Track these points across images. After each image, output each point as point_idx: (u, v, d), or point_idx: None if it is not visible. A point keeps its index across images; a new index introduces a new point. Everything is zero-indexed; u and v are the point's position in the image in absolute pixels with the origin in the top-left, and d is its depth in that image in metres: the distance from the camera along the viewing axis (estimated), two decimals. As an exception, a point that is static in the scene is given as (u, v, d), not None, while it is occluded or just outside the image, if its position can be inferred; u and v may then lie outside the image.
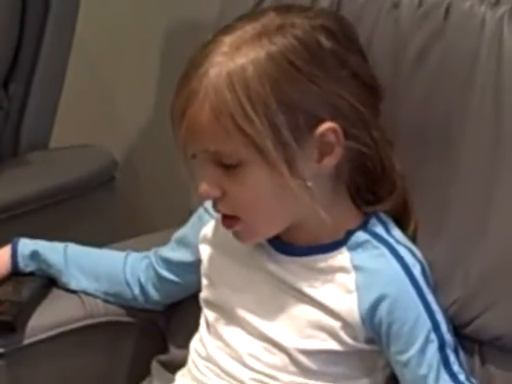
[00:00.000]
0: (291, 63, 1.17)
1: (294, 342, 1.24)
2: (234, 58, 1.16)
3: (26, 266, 1.50)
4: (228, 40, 1.19)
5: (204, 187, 1.19)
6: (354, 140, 1.22)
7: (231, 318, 1.30)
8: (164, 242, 1.48)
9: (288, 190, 1.18)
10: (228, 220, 1.24)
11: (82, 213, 1.88)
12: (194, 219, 1.42)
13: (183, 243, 1.43)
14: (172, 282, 1.46)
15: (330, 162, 1.21)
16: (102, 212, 1.98)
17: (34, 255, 1.49)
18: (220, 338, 1.30)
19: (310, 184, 1.18)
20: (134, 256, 1.51)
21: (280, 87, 1.16)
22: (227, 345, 1.29)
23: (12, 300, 1.46)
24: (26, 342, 1.45)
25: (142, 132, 2.39)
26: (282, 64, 1.17)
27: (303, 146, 1.18)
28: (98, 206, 1.98)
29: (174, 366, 1.44)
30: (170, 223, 1.54)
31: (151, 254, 1.48)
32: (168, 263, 1.45)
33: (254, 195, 1.20)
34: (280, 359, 1.24)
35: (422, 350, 1.19)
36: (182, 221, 1.46)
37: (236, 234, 1.26)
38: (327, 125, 1.18)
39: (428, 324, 1.20)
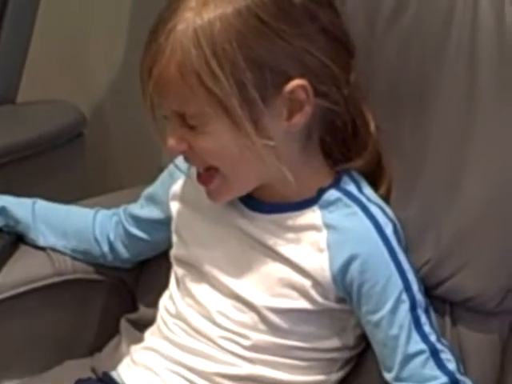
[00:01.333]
0: (259, 18, 1.17)
1: (263, 300, 1.25)
2: (202, 14, 1.16)
3: None
4: None
5: (171, 142, 1.21)
6: (324, 97, 1.22)
7: (201, 275, 1.30)
8: (133, 199, 1.49)
9: (254, 149, 1.19)
10: (204, 176, 1.25)
11: (51, 169, 1.88)
12: (164, 176, 1.43)
13: (153, 200, 1.44)
14: (141, 239, 1.47)
15: (299, 120, 1.21)
16: (71, 168, 1.99)
17: (1, 211, 1.50)
18: (190, 295, 1.31)
19: (275, 144, 1.19)
20: (103, 213, 1.52)
21: (247, 43, 1.16)
22: (197, 302, 1.30)
23: None
24: None
25: (111, 88, 2.38)
26: (249, 19, 1.17)
27: (271, 105, 1.19)
28: (66, 162, 1.99)
29: (143, 325, 1.45)
30: (139, 180, 1.54)
31: (120, 211, 1.49)
32: (137, 220, 1.46)
33: (218, 153, 1.21)
34: (250, 317, 1.25)
35: (394, 311, 1.20)
36: (152, 178, 1.47)
37: (209, 193, 1.26)
38: (296, 82, 1.18)
39: (399, 284, 1.21)
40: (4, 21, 1.97)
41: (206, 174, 1.24)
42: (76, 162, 2.01)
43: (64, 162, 1.98)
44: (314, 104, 1.20)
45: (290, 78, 1.18)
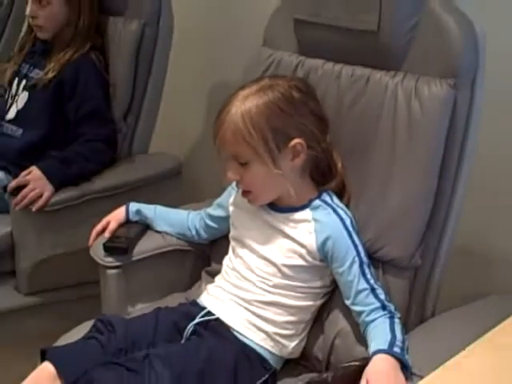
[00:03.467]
0: (277, 106, 1.22)
1: (279, 259, 1.26)
2: (244, 103, 1.22)
3: (133, 217, 1.53)
4: (242, 93, 1.24)
5: (229, 175, 1.24)
6: (312, 149, 1.26)
7: (245, 246, 1.33)
8: (209, 205, 1.50)
9: (274, 177, 1.23)
10: (245, 193, 1.27)
11: (162, 192, 1.86)
12: (225, 193, 1.44)
13: (220, 206, 1.46)
14: (214, 228, 1.49)
15: (298, 162, 1.25)
16: (174, 192, 1.95)
17: (138, 211, 1.53)
18: (239, 257, 1.33)
19: (284, 174, 1.23)
20: (192, 213, 1.53)
21: (270, 119, 1.21)
22: (243, 261, 1.32)
23: (126, 236, 1.49)
24: (133, 259, 1.48)
25: (197, 142, 2.36)
26: (271, 107, 1.22)
27: (282, 152, 1.23)
28: (172, 188, 1.95)
29: (214, 274, 1.45)
30: (212, 195, 1.53)
31: (202, 212, 1.51)
32: (211, 217, 1.48)
33: (257, 180, 1.24)
34: (272, 269, 1.27)
35: (350, 266, 1.23)
36: (219, 194, 1.48)
37: (249, 200, 1.30)
38: (296, 140, 1.23)
39: (353, 252, 1.23)
40: (143, 105, 1.94)
41: (246, 192, 1.27)
42: (177, 189, 1.98)
43: (170, 188, 1.95)
44: (306, 153, 1.24)
45: (292, 138, 1.23)
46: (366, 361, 1.10)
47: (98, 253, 1.47)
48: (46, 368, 1.19)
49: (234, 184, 1.38)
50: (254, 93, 1.23)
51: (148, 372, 1.13)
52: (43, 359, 1.22)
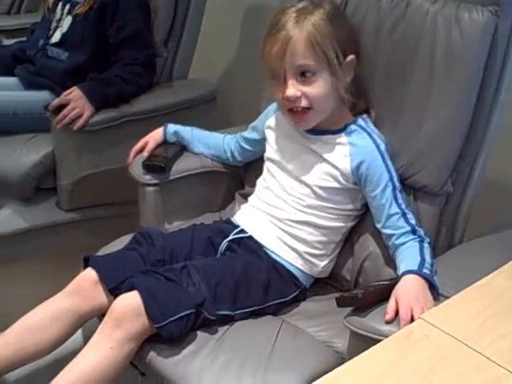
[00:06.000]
0: (338, 20, 1.22)
1: (314, 181, 1.27)
2: (312, 16, 1.19)
3: (170, 138, 1.53)
4: (298, 8, 1.22)
5: (289, 91, 1.19)
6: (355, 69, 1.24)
7: (280, 167, 1.32)
8: (244, 129, 1.50)
9: (333, 93, 1.21)
10: (300, 113, 1.22)
11: (197, 117, 1.79)
12: (261, 116, 1.43)
13: (255, 129, 1.45)
14: (248, 150, 1.49)
15: (348, 79, 1.23)
16: (209, 117, 1.92)
17: (175, 132, 1.53)
18: (273, 177, 1.33)
19: (336, 91, 1.22)
20: (228, 136, 1.53)
21: (336, 32, 1.20)
22: (277, 181, 1.32)
23: (163, 155, 1.49)
24: (170, 178, 1.48)
25: (231, 68, 2.33)
26: (333, 20, 1.21)
27: (341, 66, 1.21)
28: (206, 113, 1.93)
29: (247, 196, 1.46)
30: (244, 121, 1.53)
31: (237, 135, 1.50)
32: (246, 140, 1.48)
33: (320, 94, 1.21)
34: (306, 190, 1.28)
35: (383, 190, 1.22)
36: (251, 120, 1.48)
37: (298, 122, 1.25)
38: (352, 56, 1.22)
39: (387, 176, 1.22)
40: (184, 31, 1.91)
41: (302, 112, 1.22)
42: (212, 114, 1.95)
43: (205, 114, 1.92)
44: (354, 71, 1.23)
45: (348, 54, 1.21)
46: (395, 280, 1.11)
47: (136, 171, 1.48)
48: (89, 274, 1.22)
49: (272, 107, 1.37)
50: (311, 8, 1.21)
51: (186, 281, 1.15)
52: (86, 267, 1.25)
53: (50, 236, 1.87)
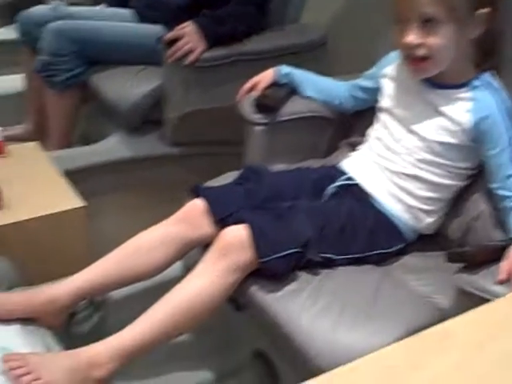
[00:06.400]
0: None
1: (431, 135, 1.24)
2: None
3: (282, 79, 1.51)
4: None
5: (411, 37, 1.16)
6: (489, 23, 1.18)
7: (395, 118, 1.29)
8: (357, 77, 1.47)
9: (455, 44, 1.16)
10: (419, 61, 1.18)
11: (307, 63, 1.73)
12: (378, 64, 1.39)
13: (370, 77, 1.42)
14: (360, 98, 1.46)
15: (476, 33, 1.18)
16: (318, 63, 1.88)
17: (288, 74, 1.51)
18: (387, 128, 1.31)
19: (462, 43, 1.17)
20: (340, 82, 1.51)
21: None
22: (390, 132, 1.30)
23: (274, 96, 1.49)
24: (279, 119, 1.48)
25: (342, 15, 2.26)
26: None
27: (470, 18, 1.16)
28: (316, 59, 1.90)
29: (354, 145, 1.45)
30: (355, 69, 1.51)
31: (349, 83, 1.48)
32: (360, 88, 1.45)
33: (441, 43, 1.16)
34: (421, 144, 1.24)
35: (502, 150, 1.18)
36: (367, 67, 1.44)
37: (416, 71, 1.22)
38: (484, 10, 1.15)
39: (506, 139, 1.18)
40: None
41: (419, 60, 1.18)
42: (321, 60, 1.91)
43: (315, 58, 1.89)
44: (485, 26, 1.17)
45: (481, 7, 1.15)
46: (508, 242, 1.07)
47: (246, 109, 1.48)
48: (197, 204, 1.23)
49: (391, 55, 1.33)
50: None
51: (292, 220, 1.16)
52: (193, 197, 1.26)
53: (151, 169, 1.92)
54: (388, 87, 1.34)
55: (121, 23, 1.92)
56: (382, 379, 0.67)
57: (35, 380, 0.92)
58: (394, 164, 1.27)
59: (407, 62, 1.21)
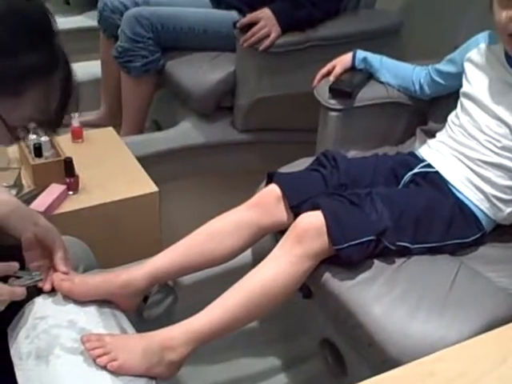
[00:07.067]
0: None
1: None
2: None
3: (358, 64, 1.50)
4: None
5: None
6: None
7: (477, 104, 1.26)
8: (434, 62, 1.43)
9: None
10: None
11: (381, 49, 1.66)
12: (461, 49, 1.34)
13: (452, 61, 1.38)
14: (439, 83, 1.42)
15: None
16: (393, 49, 1.79)
17: (364, 59, 1.50)
18: (469, 114, 1.27)
19: None
20: (418, 67, 1.47)
21: None
22: (472, 119, 1.26)
23: (350, 81, 1.47)
24: (354, 105, 1.46)
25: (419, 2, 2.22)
26: None
27: None
28: (391, 44, 1.85)
29: (430, 132, 1.41)
30: (435, 55, 1.46)
31: (429, 67, 1.44)
32: (440, 72, 1.41)
33: None
34: (504, 130, 1.20)
35: None
36: (447, 53, 1.39)
37: None
38: None
39: None
40: None
41: None
42: (396, 45, 1.87)
43: (389, 44, 1.83)
44: None
45: None
46: None
47: (322, 94, 1.46)
48: (273, 189, 1.22)
49: (475, 39, 1.29)
50: None
51: (369, 208, 1.13)
52: (268, 183, 1.26)
53: (222, 155, 1.93)
54: (472, 72, 1.29)
55: (197, 9, 1.92)
56: (471, 369, 0.65)
57: (112, 361, 0.93)
58: (475, 152, 1.23)
59: (509, 40, 1.16)
